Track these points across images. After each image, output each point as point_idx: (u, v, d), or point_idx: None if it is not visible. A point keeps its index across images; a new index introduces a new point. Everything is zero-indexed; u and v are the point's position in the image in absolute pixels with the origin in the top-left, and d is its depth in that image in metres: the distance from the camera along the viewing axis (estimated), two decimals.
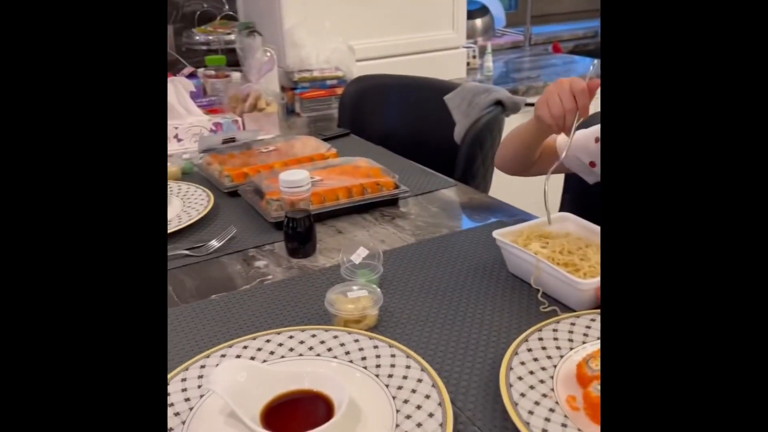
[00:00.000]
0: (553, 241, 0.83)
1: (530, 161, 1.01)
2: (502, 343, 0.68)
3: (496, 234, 0.84)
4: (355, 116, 1.65)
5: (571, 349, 0.66)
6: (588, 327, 0.69)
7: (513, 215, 1.05)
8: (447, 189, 1.19)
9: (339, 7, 1.88)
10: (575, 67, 2.36)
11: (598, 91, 0.83)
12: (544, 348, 0.66)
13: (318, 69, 1.80)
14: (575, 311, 0.73)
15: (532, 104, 2.06)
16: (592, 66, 0.86)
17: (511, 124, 1.41)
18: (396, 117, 1.67)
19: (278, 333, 0.69)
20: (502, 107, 1.33)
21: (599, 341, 0.67)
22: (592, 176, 1.00)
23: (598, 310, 0.72)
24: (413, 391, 0.60)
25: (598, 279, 0.72)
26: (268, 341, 0.68)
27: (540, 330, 0.68)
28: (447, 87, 1.52)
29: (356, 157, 1.22)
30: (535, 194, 1.25)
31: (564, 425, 0.55)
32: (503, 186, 1.43)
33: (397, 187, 1.11)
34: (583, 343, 0.67)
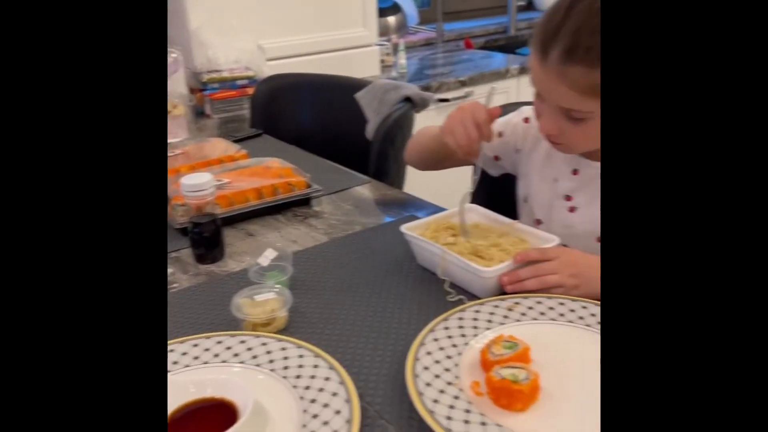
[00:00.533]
0: (460, 233, 0.85)
1: (438, 164, 1.04)
2: (411, 335, 0.69)
3: (404, 228, 0.85)
4: (268, 116, 1.62)
5: (476, 336, 0.68)
6: (492, 314, 0.71)
7: (426, 209, 1.06)
8: (361, 186, 1.19)
9: (247, 5, 1.85)
10: (488, 62, 2.42)
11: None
12: (449, 337, 0.67)
13: (227, 69, 1.76)
14: (480, 299, 0.75)
15: (444, 100, 2.11)
16: (487, 93, 0.88)
17: (422, 119, 1.43)
18: (309, 116, 1.66)
19: (182, 342, 0.67)
20: (412, 104, 1.35)
21: (502, 326, 0.69)
22: (497, 169, 1.04)
23: (502, 297, 0.74)
24: (321, 390, 0.59)
25: (500, 267, 0.75)
26: (171, 351, 0.66)
27: (446, 320, 0.70)
28: (359, 85, 1.52)
29: (268, 157, 1.20)
30: (449, 187, 1.28)
31: (467, 411, 0.56)
32: (418, 181, 1.45)
33: (309, 186, 1.10)
34: (487, 329, 0.69)
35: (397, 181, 1.38)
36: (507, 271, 0.75)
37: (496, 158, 1.00)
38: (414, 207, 1.09)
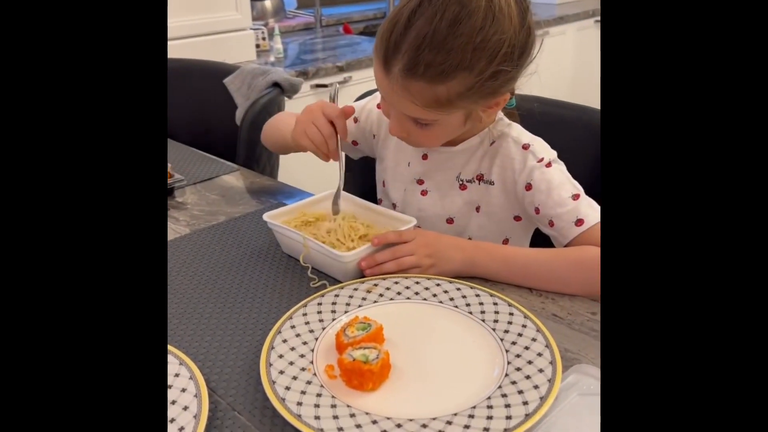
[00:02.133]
0: (324, 219, 0.85)
1: (285, 149, 1.04)
2: (271, 324, 0.69)
3: (267, 216, 0.84)
4: None
5: (334, 320, 0.69)
6: (351, 297, 0.72)
7: (296, 197, 1.06)
8: (228, 175, 1.16)
9: None
10: (366, 47, 2.44)
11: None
12: (307, 323, 0.67)
13: None
14: (342, 283, 0.76)
15: (323, 86, 2.10)
16: (333, 89, 0.89)
17: (295, 105, 1.42)
18: (178, 103, 1.59)
19: None
20: (281, 89, 1.33)
21: (360, 308, 0.71)
22: (355, 153, 1.05)
23: (362, 279, 0.76)
24: (169, 387, 0.57)
25: (359, 251, 0.76)
26: None
27: (305, 306, 0.70)
28: (229, 70, 1.48)
29: None
30: (324, 173, 1.28)
31: (319, 395, 0.57)
32: (292, 167, 1.44)
33: (171, 176, 1.06)
34: (345, 312, 0.70)
35: (269, 168, 1.35)
36: (365, 255, 0.77)
37: (354, 143, 1.02)
38: (283, 195, 1.08)
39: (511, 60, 0.71)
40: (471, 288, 0.73)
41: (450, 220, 0.91)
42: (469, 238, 0.91)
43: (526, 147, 0.85)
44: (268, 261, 0.84)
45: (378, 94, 0.99)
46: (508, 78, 0.73)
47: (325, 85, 2.10)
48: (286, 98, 1.42)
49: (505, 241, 0.91)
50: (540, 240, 0.88)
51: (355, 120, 0.99)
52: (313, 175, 1.35)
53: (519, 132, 0.87)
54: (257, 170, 1.22)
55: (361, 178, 1.06)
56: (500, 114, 0.88)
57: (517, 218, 0.89)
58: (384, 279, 0.76)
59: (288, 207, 0.88)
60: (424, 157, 0.92)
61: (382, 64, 0.73)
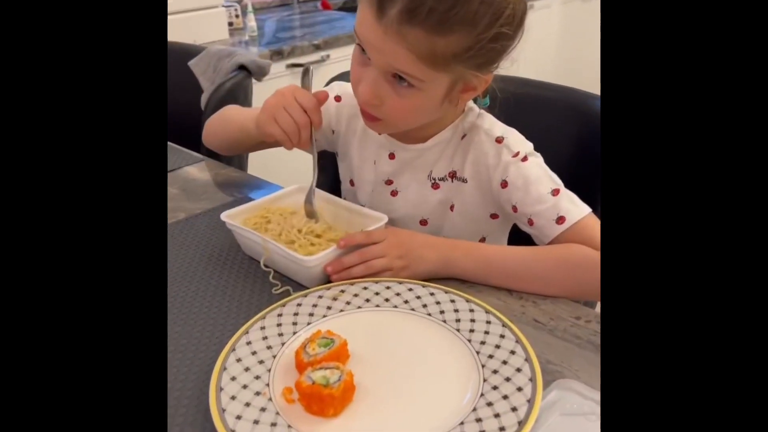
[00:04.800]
0: (288, 217, 0.78)
1: (249, 150, 0.96)
2: (226, 338, 0.63)
3: (225, 216, 0.77)
4: None
5: (295, 333, 0.63)
6: (315, 306, 0.66)
7: (265, 190, 0.99)
8: (191, 166, 1.09)
9: None
10: (345, 23, 2.34)
11: None
12: (265, 338, 0.62)
13: None
14: (309, 288, 0.70)
15: (298, 65, 2.01)
16: (306, 74, 0.81)
17: (264, 89, 1.34)
18: None
19: None
20: (248, 72, 1.25)
21: (324, 319, 0.65)
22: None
23: (328, 285, 0.70)
24: None
25: (324, 254, 0.70)
26: None
27: (263, 318, 0.64)
28: (195, 51, 1.39)
29: None
30: (299, 165, 1.21)
31: (274, 424, 0.51)
32: (263, 158, 1.36)
33: None
34: (308, 324, 0.64)
35: (237, 159, 1.28)
36: (332, 259, 0.71)
37: (314, 139, 0.94)
38: (251, 188, 1.01)
39: (512, 23, 0.65)
40: (446, 293, 0.68)
41: (424, 221, 0.85)
42: None
43: (499, 140, 0.78)
44: (228, 264, 0.78)
45: (334, 86, 0.91)
46: (505, 46, 0.67)
47: (300, 65, 2.01)
48: (255, 81, 1.34)
49: (482, 240, 0.85)
50: (518, 237, 0.83)
51: None
52: (287, 165, 1.27)
53: (491, 123, 0.81)
54: (225, 161, 1.14)
55: (333, 170, 0.99)
56: (470, 103, 0.81)
57: (494, 216, 0.83)
58: (352, 284, 0.70)
59: (250, 204, 0.81)
60: (392, 156, 0.85)
61: (375, 6, 0.65)
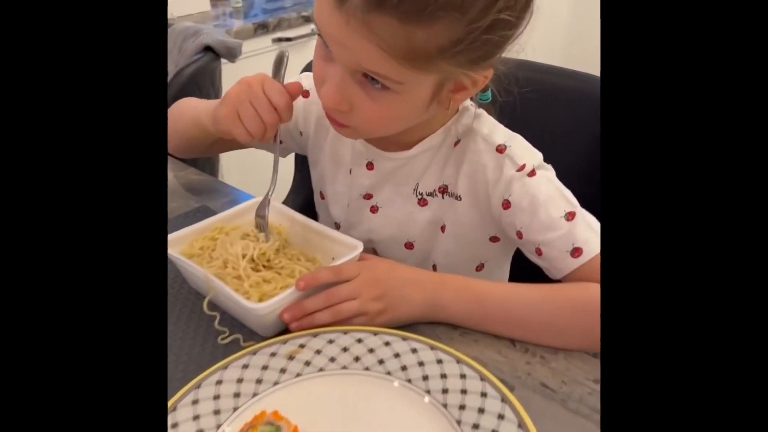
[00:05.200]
0: (236, 242, 0.64)
1: (207, 152, 0.81)
2: None
3: (170, 240, 0.63)
4: None
5: (236, 410, 0.49)
6: (265, 368, 0.53)
7: (232, 200, 0.84)
8: None
9: None
10: None
11: None
12: (196, 418, 0.48)
13: None
14: (263, 338, 0.57)
15: (282, 39, 1.84)
16: (280, 63, 0.65)
17: (232, 71, 1.17)
18: None
19: None
20: (215, 54, 1.10)
21: (275, 389, 0.51)
22: (281, 152, 0.81)
23: (284, 338, 0.56)
24: None
25: (279, 298, 0.56)
26: None
27: (197, 387, 0.50)
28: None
29: None
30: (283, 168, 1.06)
31: None
32: (234, 158, 1.21)
33: None
34: (254, 396, 0.50)
35: (200, 159, 1.13)
36: (290, 302, 0.57)
37: (279, 141, 0.79)
38: (211, 196, 0.86)
39: (514, 7, 0.50)
40: (431, 349, 0.54)
41: (409, 245, 0.71)
42: (434, 266, 0.71)
43: (501, 150, 0.63)
44: (170, 300, 0.64)
45: (303, 76, 0.75)
46: (505, 36, 0.52)
47: (290, 39, 1.84)
48: (228, 63, 1.18)
49: (480, 267, 0.71)
50: (524, 262, 0.68)
51: None
52: (267, 165, 1.11)
53: (491, 127, 0.65)
54: (189, 161, 0.99)
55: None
56: (466, 101, 0.66)
57: (494, 239, 0.68)
58: (315, 335, 0.56)
59: (200, 224, 0.67)
60: (370, 166, 0.70)
61: None
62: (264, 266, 0.61)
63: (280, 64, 0.65)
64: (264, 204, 0.65)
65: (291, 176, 1.03)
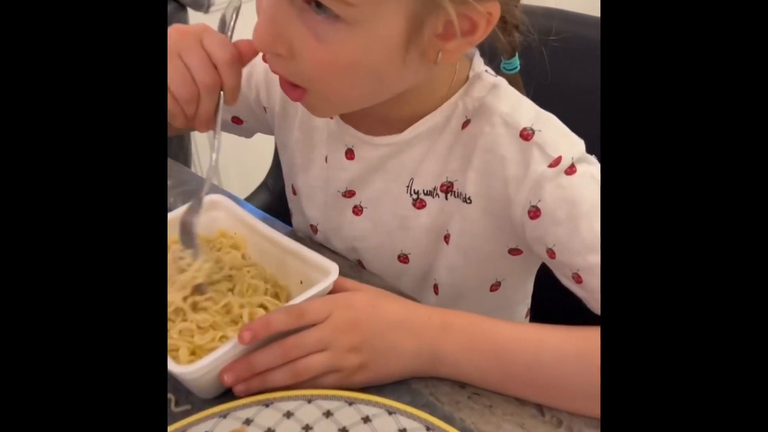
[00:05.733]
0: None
1: None
2: None
3: None
4: None
5: None
6: None
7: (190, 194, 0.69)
8: None
9: None
10: None
11: None
12: None
13: None
14: (207, 405, 0.42)
15: None
16: (232, 13, 0.47)
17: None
18: None
19: None
20: (178, 4, 0.91)
21: None
22: (242, 133, 0.65)
23: (224, 408, 0.41)
24: None
25: (216, 356, 0.40)
26: None
27: None
28: None
29: None
30: (255, 157, 0.89)
31: None
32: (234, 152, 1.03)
33: None
34: None
35: (177, 141, 0.95)
36: (234, 357, 0.41)
37: (236, 120, 0.62)
38: (177, 191, 0.70)
39: None
40: (428, 430, 0.38)
41: (403, 258, 0.55)
42: (436, 286, 0.55)
43: (527, 135, 0.46)
44: None
45: None
46: None
47: None
48: (199, 15, 1.00)
49: (495, 286, 0.55)
50: (551, 279, 0.51)
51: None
52: (253, 155, 0.93)
53: (513, 103, 0.48)
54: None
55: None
56: (478, 63, 0.50)
57: (515, 251, 0.52)
58: (267, 405, 0.41)
59: None
60: (349, 154, 0.53)
61: None
62: (198, 298, 0.45)
63: (229, 17, 0.48)
64: (193, 208, 0.48)
65: (267, 163, 0.87)
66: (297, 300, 0.44)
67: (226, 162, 1.30)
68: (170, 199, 0.66)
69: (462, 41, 0.41)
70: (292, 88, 0.44)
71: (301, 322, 0.42)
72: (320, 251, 0.57)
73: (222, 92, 0.45)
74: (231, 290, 0.48)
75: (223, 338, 0.43)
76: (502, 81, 0.49)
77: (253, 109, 0.60)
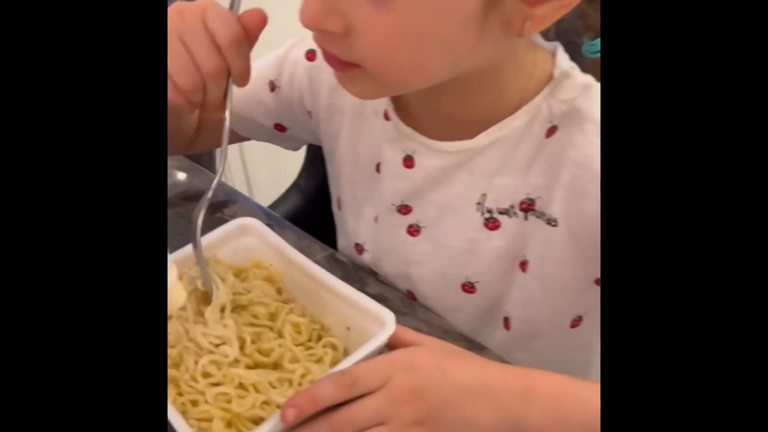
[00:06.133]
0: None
1: (183, 141, 0.57)
2: None
3: None
4: None
5: None
6: None
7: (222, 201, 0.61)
8: None
9: None
10: None
11: None
12: None
13: None
14: None
15: None
16: None
17: None
18: None
19: None
20: None
21: None
22: (289, 142, 0.59)
23: None
24: None
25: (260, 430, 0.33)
26: None
27: None
28: None
29: None
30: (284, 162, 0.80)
31: None
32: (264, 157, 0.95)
33: None
34: None
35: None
36: None
37: (279, 128, 0.55)
38: (187, 190, 0.64)
39: None
40: None
41: (469, 287, 0.47)
42: (506, 320, 0.47)
43: None
44: None
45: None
46: None
47: None
48: None
49: (577, 322, 0.47)
50: None
51: (272, 87, 0.52)
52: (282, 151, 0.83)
53: None
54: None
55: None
56: (563, 58, 0.42)
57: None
58: None
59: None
60: (408, 162, 0.46)
61: None
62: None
63: None
64: (199, 209, 0.39)
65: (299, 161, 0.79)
66: (348, 361, 0.36)
67: (252, 160, 1.22)
68: (189, 206, 0.59)
69: (554, 5, 0.34)
70: (343, 65, 0.37)
71: (353, 392, 0.34)
72: (363, 279, 0.50)
73: (230, 80, 0.39)
74: (271, 327, 0.41)
75: (265, 405, 0.36)
76: (594, 81, 0.41)
77: (297, 114, 0.53)
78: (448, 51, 0.36)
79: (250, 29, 0.39)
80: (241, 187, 1.14)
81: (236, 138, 0.58)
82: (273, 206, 0.77)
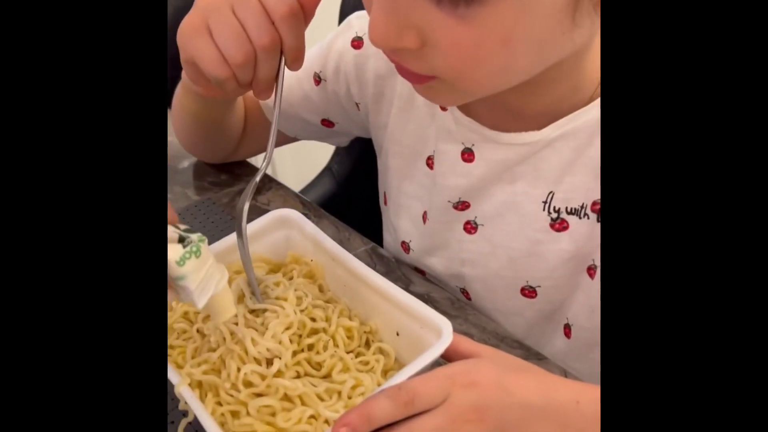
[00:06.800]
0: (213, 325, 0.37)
1: (230, 141, 0.54)
2: None
3: None
4: None
5: None
6: None
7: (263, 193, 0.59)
8: None
9: None
10: None
11: None
12: None
13: None
14: None
15: None
16: None
17: None
18: None
19: None
20: None
21: None
22: (336, 138, 0.56)
23: None
24: None
25: None
26: None
27: None
28: None
29: None
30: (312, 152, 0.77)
31: None
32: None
33: None
34: None
35: None
36: None
37: (327, 123, 0.52)
38: (223, 180, 0.61)
39: None
40: None
41: (529, 291, 0.44)
42: (567, 327, 0.44)
43: None
44: None
45: (351, 20, 0.49)
46: None
47: None
48: None
49: None
50: None
51: (317, 80, 0.49)
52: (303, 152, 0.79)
53: None
54: None
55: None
56: None
57: None
58: None
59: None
60: (468, 155, 0.42)
61: None
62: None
63: None
64: (239, 229, 0.36)
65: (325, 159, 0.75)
66: (403, 374, 0.33)
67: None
68: (224, 200, 0.57)
69: None
70: (417, 78, 0.34)
71: (410, 410, 0.32)
72: (408, 277, 0.47)
73: (283, 64, 0.37)
74: (325, 330, 0.38)
75: (312, 419, 0.33)
76: None
77: (345, 107, 0.50)
78: (537, 48, 0.32)
79: (306, 4, 0.36)
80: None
81: (283, 139, 0.55)
82: (304, 191, 0.74)
